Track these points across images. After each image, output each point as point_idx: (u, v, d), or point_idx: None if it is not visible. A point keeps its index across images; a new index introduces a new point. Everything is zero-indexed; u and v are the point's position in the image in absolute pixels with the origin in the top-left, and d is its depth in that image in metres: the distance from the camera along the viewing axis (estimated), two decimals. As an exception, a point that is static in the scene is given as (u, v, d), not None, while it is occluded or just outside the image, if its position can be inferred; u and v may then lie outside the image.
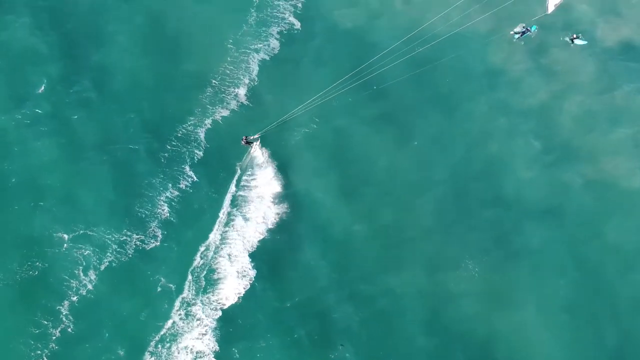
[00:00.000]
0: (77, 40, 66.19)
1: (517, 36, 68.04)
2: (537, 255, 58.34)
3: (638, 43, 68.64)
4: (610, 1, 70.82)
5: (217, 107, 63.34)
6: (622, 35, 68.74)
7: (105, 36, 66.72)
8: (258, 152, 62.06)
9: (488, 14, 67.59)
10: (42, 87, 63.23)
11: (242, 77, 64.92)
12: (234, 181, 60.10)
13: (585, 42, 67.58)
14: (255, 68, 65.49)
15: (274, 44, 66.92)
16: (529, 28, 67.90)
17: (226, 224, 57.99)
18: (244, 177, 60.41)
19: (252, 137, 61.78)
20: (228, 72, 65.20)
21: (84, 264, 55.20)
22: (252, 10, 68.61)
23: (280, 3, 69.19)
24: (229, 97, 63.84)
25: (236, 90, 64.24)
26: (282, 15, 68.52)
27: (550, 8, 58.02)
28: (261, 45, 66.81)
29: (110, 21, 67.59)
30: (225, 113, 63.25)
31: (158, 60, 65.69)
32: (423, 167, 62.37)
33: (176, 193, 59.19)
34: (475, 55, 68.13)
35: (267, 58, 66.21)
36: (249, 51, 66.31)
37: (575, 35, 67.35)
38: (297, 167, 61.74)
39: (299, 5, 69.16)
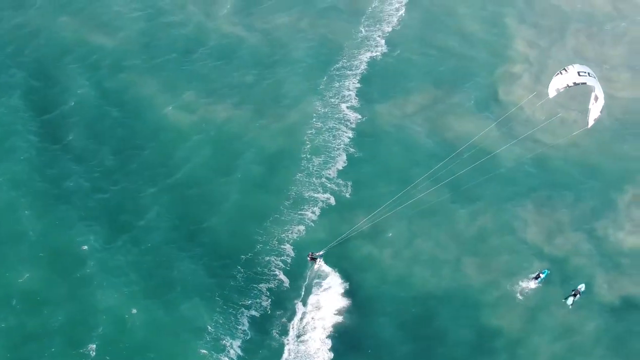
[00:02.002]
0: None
1: (533, 283, 66.29)
2: None
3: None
4: (609, 256, 69.13)
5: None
6: (624, 291, 66.64)
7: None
8: (324, 268, 65.70)
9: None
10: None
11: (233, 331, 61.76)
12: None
13: (583, 285, 66.04)
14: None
15: (265, 302, 63.87)
16: (541, 273, 66.42)
17: None
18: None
19: (317, 254, 65.55)
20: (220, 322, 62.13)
21: None
22: (239, 267, 65.81)
23: (272, 259, 66.51)
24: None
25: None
26: (273, 272, 65.81)
27: (552, 93, 58.88)
28: (250, 302, 63.86)
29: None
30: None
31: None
32: None
33: None
34: (468, 316, 65.00)
35: (257, 315, 62.92)
36: (237, 306, 63.30)
37: (575, 292, 65.45)
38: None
39: (289, 260, 66.53)
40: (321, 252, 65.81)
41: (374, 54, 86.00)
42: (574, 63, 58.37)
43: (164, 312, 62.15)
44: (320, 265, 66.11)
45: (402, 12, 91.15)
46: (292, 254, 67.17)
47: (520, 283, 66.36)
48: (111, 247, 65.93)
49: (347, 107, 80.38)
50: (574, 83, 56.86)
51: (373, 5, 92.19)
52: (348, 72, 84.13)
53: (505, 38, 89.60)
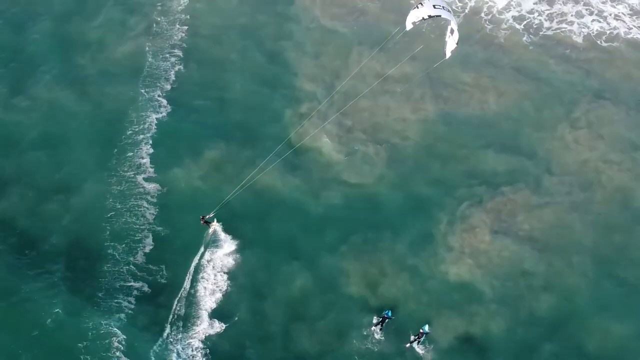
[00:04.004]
0: None
1: (378, 328, 64.36)
2: None
3: (475, 336, 65.30)
4: (437, 293, 67.48)
5: None
6: (460, 330, 65.42)
7: None
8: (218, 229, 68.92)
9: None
10: None
11: None
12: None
13: (428, 328, 64.76)
14: None
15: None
16: (386, 315, 64.57)
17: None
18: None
19: (209, 216, 67.97)
20: None
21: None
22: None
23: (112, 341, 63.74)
24: None
25: None
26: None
27: (409, 25, 60.48)
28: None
29: None
30: None
31: None
32: None
33: None
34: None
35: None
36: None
37: (418, 335, 64.11)
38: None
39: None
40: (212, 214, 67.94)
41: (160, 115, 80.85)
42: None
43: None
44: (215, 227, 68.98)
45: (178, 66, 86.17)
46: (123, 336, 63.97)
47: (354, 342, 64.20)
48: None
49: (145, 179, 75.34)
50: (429, 16, 58.77)
51: (149, 61, 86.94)
52: (140, 136, 78.93)
53: (290, 76, 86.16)
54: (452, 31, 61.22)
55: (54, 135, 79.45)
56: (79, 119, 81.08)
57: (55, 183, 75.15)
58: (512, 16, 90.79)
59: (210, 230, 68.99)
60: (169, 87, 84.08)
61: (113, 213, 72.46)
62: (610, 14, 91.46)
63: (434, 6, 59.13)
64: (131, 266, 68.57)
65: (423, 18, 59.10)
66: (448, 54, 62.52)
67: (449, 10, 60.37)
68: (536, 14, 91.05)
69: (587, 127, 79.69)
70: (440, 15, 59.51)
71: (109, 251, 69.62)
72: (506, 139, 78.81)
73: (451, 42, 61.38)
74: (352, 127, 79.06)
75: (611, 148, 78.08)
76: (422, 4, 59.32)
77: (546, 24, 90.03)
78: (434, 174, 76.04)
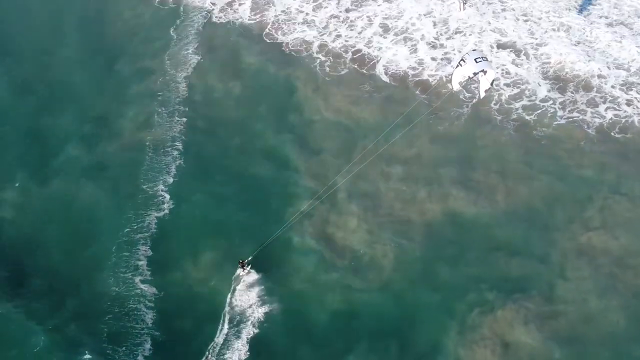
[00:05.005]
0: None
1: None
2: None
3: None
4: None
5: None
6: None
7: None
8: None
9: None
10: None
11: None
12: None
13: None
14: None
15: None
16: None
17: None
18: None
19: (247, 260, 71.73)
20: None
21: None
22: None
23: None
24: None
25: None
26: None
27: (456, 86, 62.90)
28: None
29: None
30: None
31: None
32: None
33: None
34: None
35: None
36: None
37: None
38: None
39: None
40: (250, 258, 71.87)
41: (161, 213, 79.27)
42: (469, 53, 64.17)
43: None
44: (246, 272, 71.90)
45: (179, 160, 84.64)
46: None
47: None
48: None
49: (142, 281, 73.98)
50: (474, 73, 60.82)
51: (149, 155, 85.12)
52: (139, 235, 77.49)
53: (290, 172, 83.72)
54: (484, 71, 61.37)
55: (54, 229, 78.87)
56: (79, 216, 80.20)
57: (56, 282, 74.44)
58: (522, 105, 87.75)
59: (240, 273, 71.83)
60: (170, 180, 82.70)
61: (111, 316, 71.11)
62: (624, 100, 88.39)
63: (475, 60, 60.32)
64: (133, 371, 67.57)
65: (469, 77, 60.44)
66: (482, 94, 63.77)
67: (487, 59, 61.69)
68: (550, 102, 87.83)
69: (602, 227, 75.25)
70: (483, 69, 60.61)
71: (108, 352, 68.49)
72: (517, 240, 74.91)
73: (484, 82, 61.82)
74: (357, 228, 76.56)
75: (627, 251, 73.79)
76: (464, 61, 60.35)
77: (559, 113, 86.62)
78: (443, 278, 72.49)
